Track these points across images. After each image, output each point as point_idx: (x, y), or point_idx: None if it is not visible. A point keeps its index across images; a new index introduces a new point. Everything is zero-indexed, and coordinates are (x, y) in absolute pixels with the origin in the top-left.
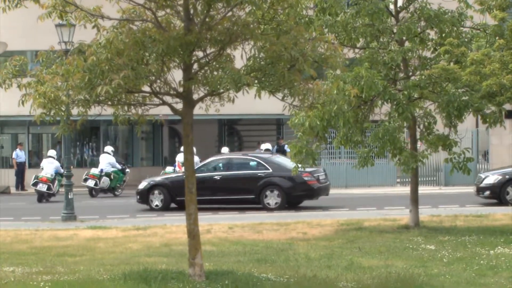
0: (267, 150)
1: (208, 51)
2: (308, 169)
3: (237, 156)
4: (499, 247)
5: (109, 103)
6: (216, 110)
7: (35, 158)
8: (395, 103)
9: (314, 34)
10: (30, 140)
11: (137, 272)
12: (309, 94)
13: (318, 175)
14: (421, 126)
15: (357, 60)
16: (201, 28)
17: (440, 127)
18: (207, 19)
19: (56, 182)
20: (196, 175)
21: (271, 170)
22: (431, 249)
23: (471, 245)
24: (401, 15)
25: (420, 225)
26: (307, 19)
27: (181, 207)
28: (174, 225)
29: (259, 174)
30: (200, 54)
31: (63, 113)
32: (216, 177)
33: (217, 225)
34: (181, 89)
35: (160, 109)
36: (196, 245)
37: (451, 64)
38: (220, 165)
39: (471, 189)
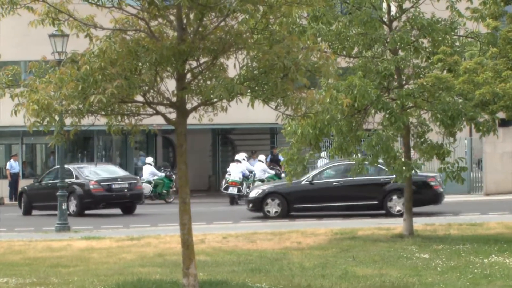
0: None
1: (201, 61)
2: None
3: None
4: (493, 255)
5: (102, 112)
6: (209, 120)
7: (29, 168)
8: (388, 112)
9: (308, 43)
10: (23, 151)
11: (131, 283)
12: (302, 103)
13: None
14: (415, 135)
15: (350, 69)
16: (194, 38)
17: (433, 137)
18: (200, 29)
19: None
20: None
21: None
22: (425, 258)
23: (465, 254)
24: (394, 24)
25: (414, 234)
26: (300, 28)
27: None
28: (168, 235)
29: None
30: (193, 63)
31: (56, 122)
32: None
33: (211, 234)
34: (174, 99)
35: (154, 119)
36: (190, 255)
37: (445, 72)
38: None
39: (465, 198)
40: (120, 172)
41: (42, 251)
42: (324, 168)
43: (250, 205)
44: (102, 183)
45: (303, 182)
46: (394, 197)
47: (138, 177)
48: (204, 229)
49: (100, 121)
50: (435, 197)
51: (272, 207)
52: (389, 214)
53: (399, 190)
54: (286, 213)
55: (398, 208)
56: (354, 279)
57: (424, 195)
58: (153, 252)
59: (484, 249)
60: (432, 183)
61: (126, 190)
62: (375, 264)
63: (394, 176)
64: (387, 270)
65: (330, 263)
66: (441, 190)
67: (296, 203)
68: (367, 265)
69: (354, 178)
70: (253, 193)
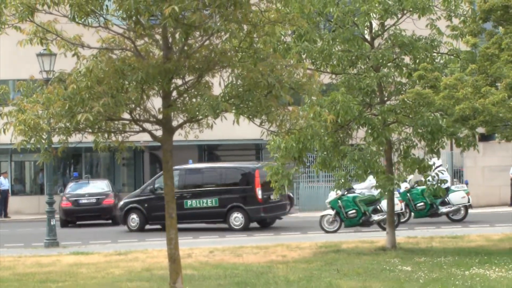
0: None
1: (186, 79)
2: None
3: None
4: (474, 267)
5: (90, 130)
6: (195, 136)
7: (18, 185)
8: (370, 127)
9: (291, 61)
10: (13, 168)
11: None
12: (286, 120)
13: None
14: (399, 150)
15: (333, 86)
16: (180, 56)
17: (417, 151)
18: (185, 48)
19: None
20: None
21: None
22: (408, 270)
23: (446, 266)
24: (376, 42)
25: (397, 247)
26: (285, 45)
27: None
28: (155, 249)
29: None
30: (179, 81)
31: (44, 141)
32: None
33: (198, 249)
34: (160, 116)
35: (141, 136)
36: (177, 269)
37: (426, 88)
38: None
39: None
40: (98, 188)
41: (31, 266)
42: None
43: None
44: (70, 199)
45: None
46: None
47: (110, 192)
48: (191, 244)
49: (87, 139)
50: None
51: None
52: None
53: None
54: None
55: None
56: None
57: None
58: (140, 267)
59: (465, 261)
60: None
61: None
62: (358, 276)
63: None
64: (370, 282)
65: (314, 276)
66: None
67: None
68: (351, 278)
69: None
70: None
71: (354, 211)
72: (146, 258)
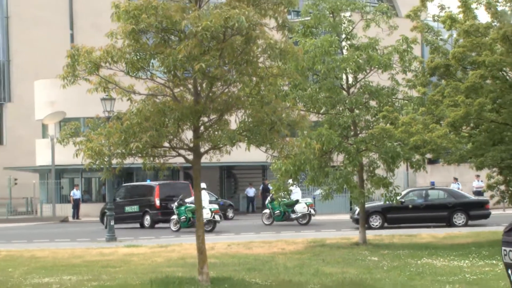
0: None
1: (211, 117)
2: None
3: None
4: (424, 258)
5: (139, 155)
6: (217, 160)
7: (86, 195)
8: (347, 153)
9: (288, 104)
10: (83, 183)
11: (160, 279)
12: (284, 148)
13: None
14: (368, 171)
15: (319, 123)
16: (206, 101)
17: (381, 172)
18: (210, 94)
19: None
20: None
21: None
22: (375, 260)
23: (404, 257)
24: (351, 90)
25: (367, 242)
26: (283, 92)
27: None
28: (187, 243)
29: None
30: (205, 119)
31: (105, 163)
32: None
33: (219, 243)
34: (191, 145)
35: (177, 159)
36: (203, 258)
37: (388, 125)
38: None
39: None
40: None
41: (96, 255)
42: None
43: None
44: None
45: None
46: None
47: None
48: (214, 239)
49: (137, 161)
50: None
51: None
52: None
53: None
54: None
55: None
56: (323, 276)
57: None
58: (176, 256)
59: (417, 253)
60: None
61: None
62: (338, 264)
63: None
64: (347, 269)
65: (306, 264)
66: None
67: None
68: (333, 265)
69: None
70: None
71: (184, 217)
72: (181, 250)
